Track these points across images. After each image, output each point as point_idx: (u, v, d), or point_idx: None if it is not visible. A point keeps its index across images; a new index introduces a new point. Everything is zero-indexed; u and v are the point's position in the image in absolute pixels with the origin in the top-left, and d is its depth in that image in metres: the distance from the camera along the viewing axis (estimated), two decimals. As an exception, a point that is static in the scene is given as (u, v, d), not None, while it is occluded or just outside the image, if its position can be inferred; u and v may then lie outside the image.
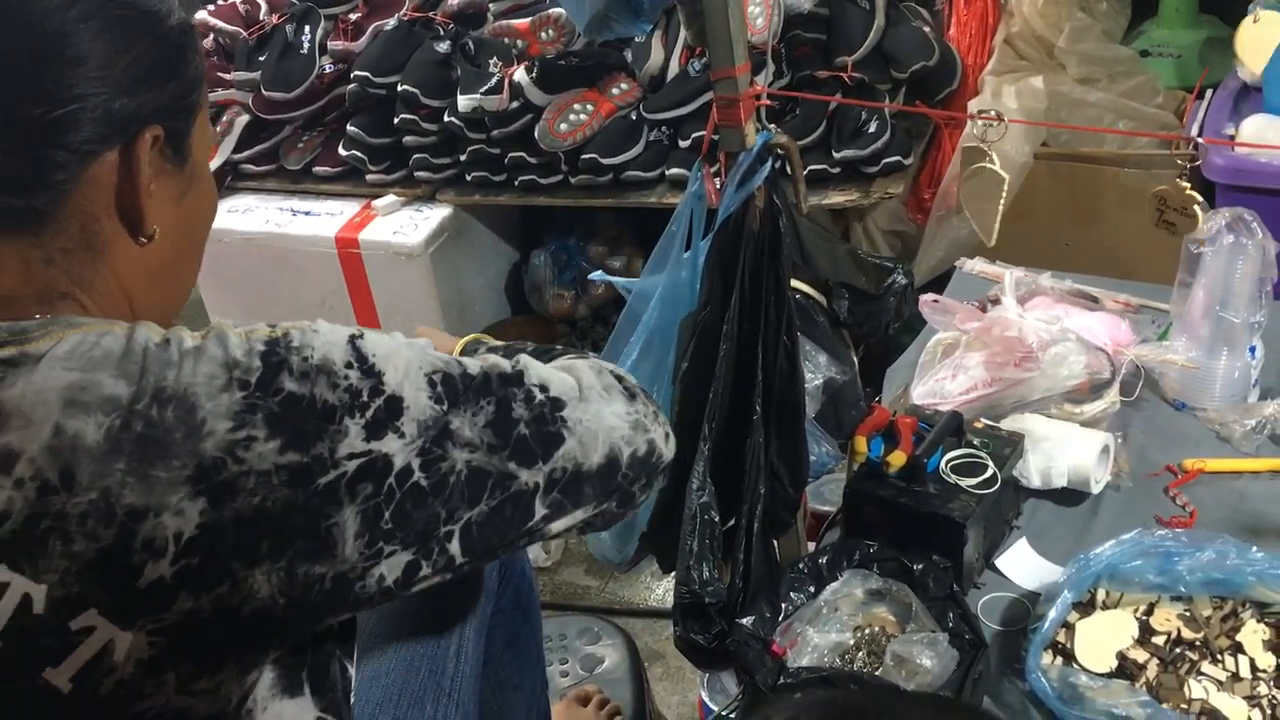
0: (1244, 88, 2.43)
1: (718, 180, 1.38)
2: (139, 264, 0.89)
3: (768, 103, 1.29)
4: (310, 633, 0.86)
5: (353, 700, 0.96)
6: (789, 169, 1.37)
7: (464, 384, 0.89)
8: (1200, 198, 1.32)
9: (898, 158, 2.40)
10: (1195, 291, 1.66)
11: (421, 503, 0.84)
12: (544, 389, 0.94)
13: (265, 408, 0.78)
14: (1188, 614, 1.34)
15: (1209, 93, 2.52)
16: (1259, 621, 1.32)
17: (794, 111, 2.49)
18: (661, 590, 2.27)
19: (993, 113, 1.23)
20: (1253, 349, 1.66)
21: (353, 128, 2.72)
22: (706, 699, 1.73)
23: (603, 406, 0.98)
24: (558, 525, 0.95)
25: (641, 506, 1.09)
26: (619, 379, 1.04)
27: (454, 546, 0.87)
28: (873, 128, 2.41)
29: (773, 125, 1.32)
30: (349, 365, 0.83)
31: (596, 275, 1.61)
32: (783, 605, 1.39)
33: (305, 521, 0.79)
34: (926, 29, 2.55)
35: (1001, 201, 1.29)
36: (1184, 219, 1.34)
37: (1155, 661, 1.29)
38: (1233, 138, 2.27)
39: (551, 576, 2.38)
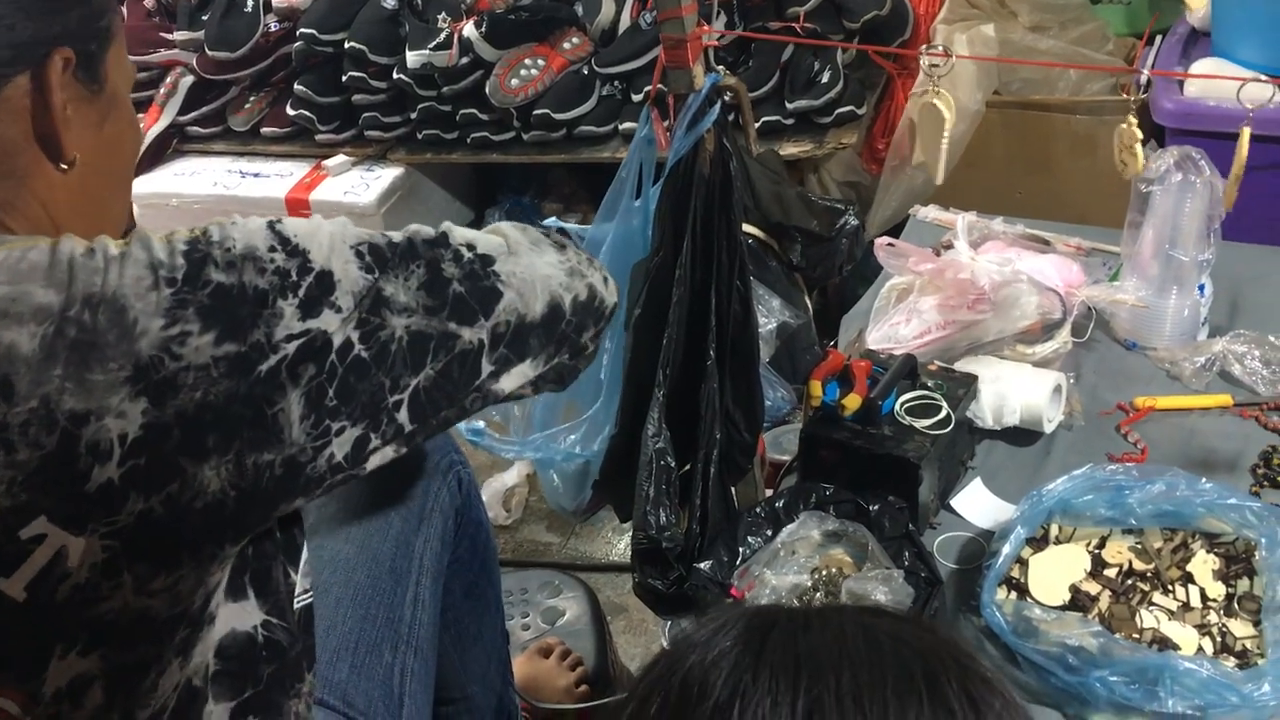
0: (1193, 33, 2.44)
1: (667, 126, 1.37)
2: (63, 191, 0.88)
3: (715, 44, 1.28)
4: (265, 522, 0.85)
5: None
6: (739, 112, 1.35)
7: (390, 251, 0.88)
8: (1140, 135, 1.32)
9: (851, 108, 2.40)
10: (1145, 230, 1.67)
11: (365, 375, 0.84)
12: (471, 247, 0.93)
13: (195, 301, 0.78)
14: (1139, 546, 1.36)
15: (1158, 39, 2.53)
16: (1208, 552, 1.34)
17: (747, 63, 2.48)
18: (623, 546, 2.27)
19: (940, 48, 1.23)
20: (1201, 287, 1.67)
21: (300, 87, 2.68)
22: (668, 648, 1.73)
23: (535, 258, 0.97)
24: (508, 382, 0.94)
25: (592, 360, 1.07)
26: (545, 233, 1.03)
27: (402, 415, 0.86)
28: (825, 78, 2.41)
29: (721, 67, 1.31)
30: (272, 249, 0.82)
31: (550, 221, 1.59)
32: (740, 549, 1.39)
33: (249, 411, 0.79)
34: (879, -22, 2.54)
35: (945, 139, 1.29)
36: (1131, 157, 1.34)
37: (1107, 593, 1.31)
38: (1182, 83, 2.29)
39: (513, 534, 2.38)
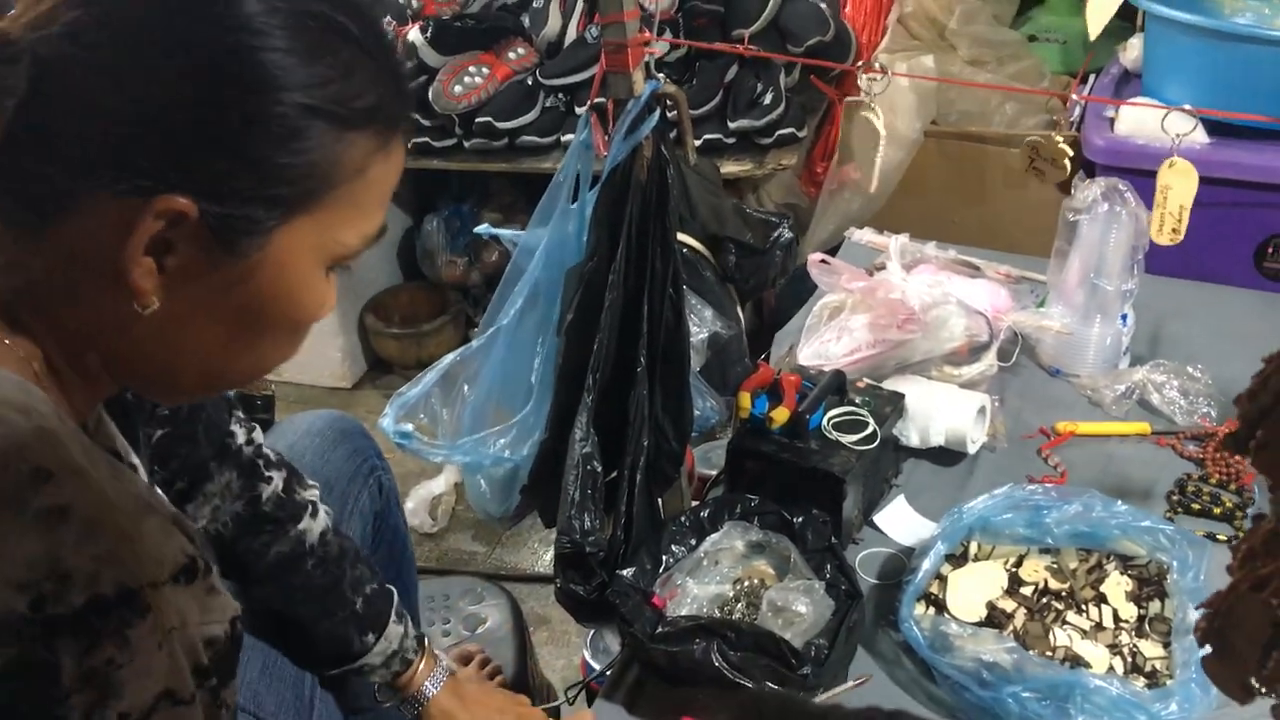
0: (1125, 73, 2.51)
1: (607, 134, 1.37)
2: (133, 329, 0.76)
3: (656, 51, 1.28)
4: None
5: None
6: (678, 121, 1.36)
7: None
8: (1070, 150, 1.35)
9: (791, 130, 2.42)
10: (1071, 259, 1.70)
11: None
12: None
13: None
14: (1055, 566, 1.38)
15: (1092, 78, 2.59)
16: (1122, 574, 1.36)
17: (691, 81, 2.50)
18: (548, 557, 2.26)
19: (877, 66, 1.25)
20: (1124, 317, 1.71)
21: (239, 84, 2.64)
22: (589, 659, 1.72)
23: None
24: None
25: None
26: None
27: None
28: (768, 99, 2.43)
29: (661, 75, 1.31)
30: None
31: (482, 229, 1.58)
32: (664, 558, 1.39)
33: None
34: (823, 6, 2.58)
35: (879, 153, 1.31)
36: (1053, 169, 1.37)
37: (1023, 611, 1.32)
38: (1113, 122, 2.34)
39: (438, 543, 2.36)
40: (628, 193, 1.34)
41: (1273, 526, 0.66)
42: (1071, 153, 1.35)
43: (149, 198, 0.70)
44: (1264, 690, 0.67)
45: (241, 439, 1.16)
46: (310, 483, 1.21)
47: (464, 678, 1.35)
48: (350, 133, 0.75)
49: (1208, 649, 0.71)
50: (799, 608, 1.26)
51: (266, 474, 1.16)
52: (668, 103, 1.34)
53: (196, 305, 0.76)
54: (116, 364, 0.78)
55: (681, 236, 1.48)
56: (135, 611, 0.65)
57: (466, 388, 1.47)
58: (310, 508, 1.18)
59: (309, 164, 0.73)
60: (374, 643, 1.20)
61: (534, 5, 2.64)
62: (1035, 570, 1.37)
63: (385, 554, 1.29)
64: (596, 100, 1.33)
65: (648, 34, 1.26)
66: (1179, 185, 1.24)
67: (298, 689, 1.19)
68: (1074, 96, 1.29)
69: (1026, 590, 1.35)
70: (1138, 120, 2.28)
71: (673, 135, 1.37)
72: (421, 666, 1.26)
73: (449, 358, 1.48)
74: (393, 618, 1.22)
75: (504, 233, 1.54)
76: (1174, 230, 1.25)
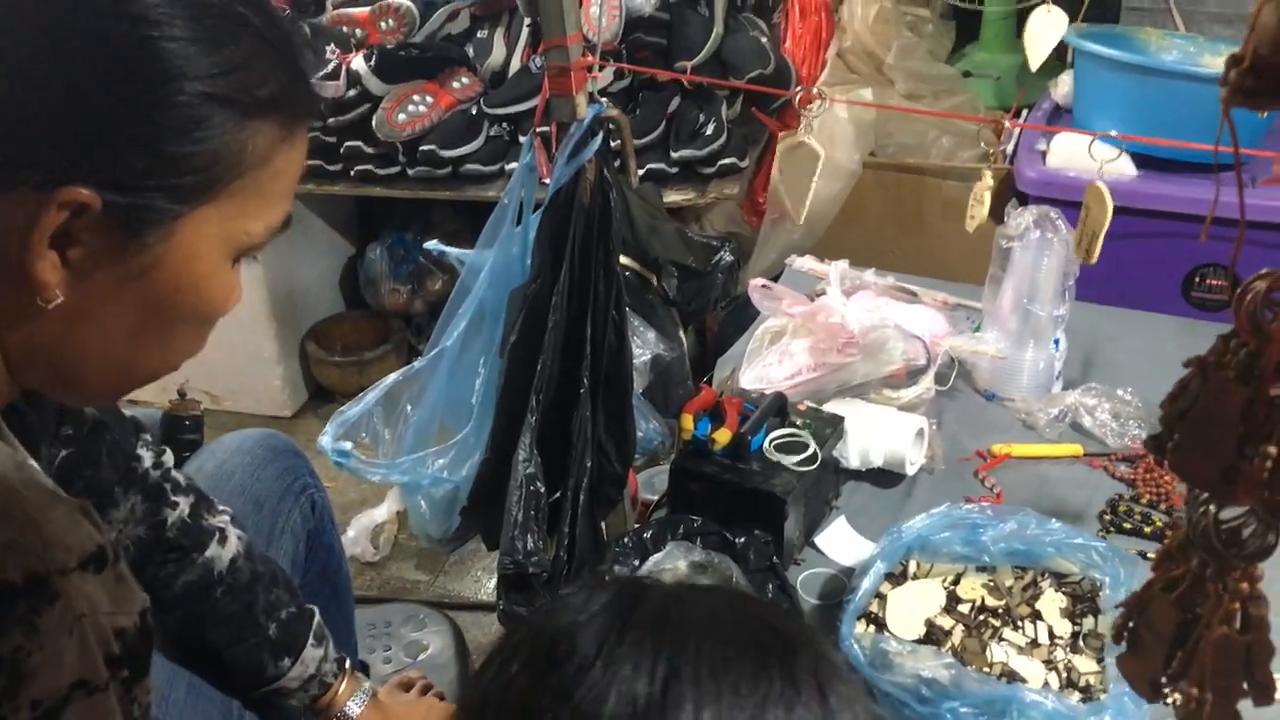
0: (1056, 109, 2.58)
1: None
2: (39, 326, 0.75)
3: (599, 75, 1.30)
4: None
5: None
6: (620, 145, 1.38)
7: None
8: (991, 184, 1.39)
9: (733, 160, 2.45)
10: (1005, 286, 1.74)
11: None
12: None
13: None
14: (992, 584, 1.40)
15: (1025, 112, 2.66)
16: (1057, 590, 1.38)
17: (635, 112, 2.52)
18: (491, 585, 2.24)
19: (816, 91, 1.27)
20: (1056, 342, 1.75)
21: (180, 110, 2.63)
22: (532, 685, 1.71)
23: None
24: None
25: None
26: None
27: None
28: (710, 130, 2.46)
29: (604, 99, 1.33)
30: None
31: (432, 244, 1.58)
32: (606, 579, 1.39)
33: None
34: (764, 39, 2.63)
35: (815, 179, 1.33)
36: (978, 206, 1.40)
37: (961, 628, 1.34)
38: (1044, 154, 2.41)
39: (380, 571, 2.33)
40: (571, 216, 1.35)
41: (1186, 530, 0.68)
42: (992, 185, 1.38)
43: (52, 189, 0.69)
44: (1169, 690, 0.69)
45: (148, 463, 1.13)
46: (221, 509, 1.17)
47: (386, 693, 1.32)
48: (253, 121, 0.75)
49: (1124, 647, 0.74)
50: (741, 626, 1.26)
51: (173, 499, 1.12)
52: (611, 127, 1.36)
53: (102, 298, 0.75)
54: (19, 362, 0.77)
55: (624, 259, 1.49)
56: (43, 599, 0.64)
57: (410, 407, 1.47)
58: (218, 534, 1.14)
59: (212, 153, 0.73)
60: (289, 667, 1.17)
61: (478, 35, 2.65)
62: (973, 588, 1.39)
63: (318, 572, 1.27)
64: (540, 126, 1.34)
65: (590, 58, 1.28)
66: (1096, 209, 1.27)
67: (225, 708, 1.17)
68: (1007, 124, 1.32)
69: (964, 608, 1.37)
70: (1068, 153, 2.35)
71: (617, 164, 1.39)
72: (342, 689, 1.22)
73: (392, 377, 1.48)
74: (310, 641, 1.19)
75: (452, 251, 1.55)
76: (1088, 251, 1.29)
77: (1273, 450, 0.60)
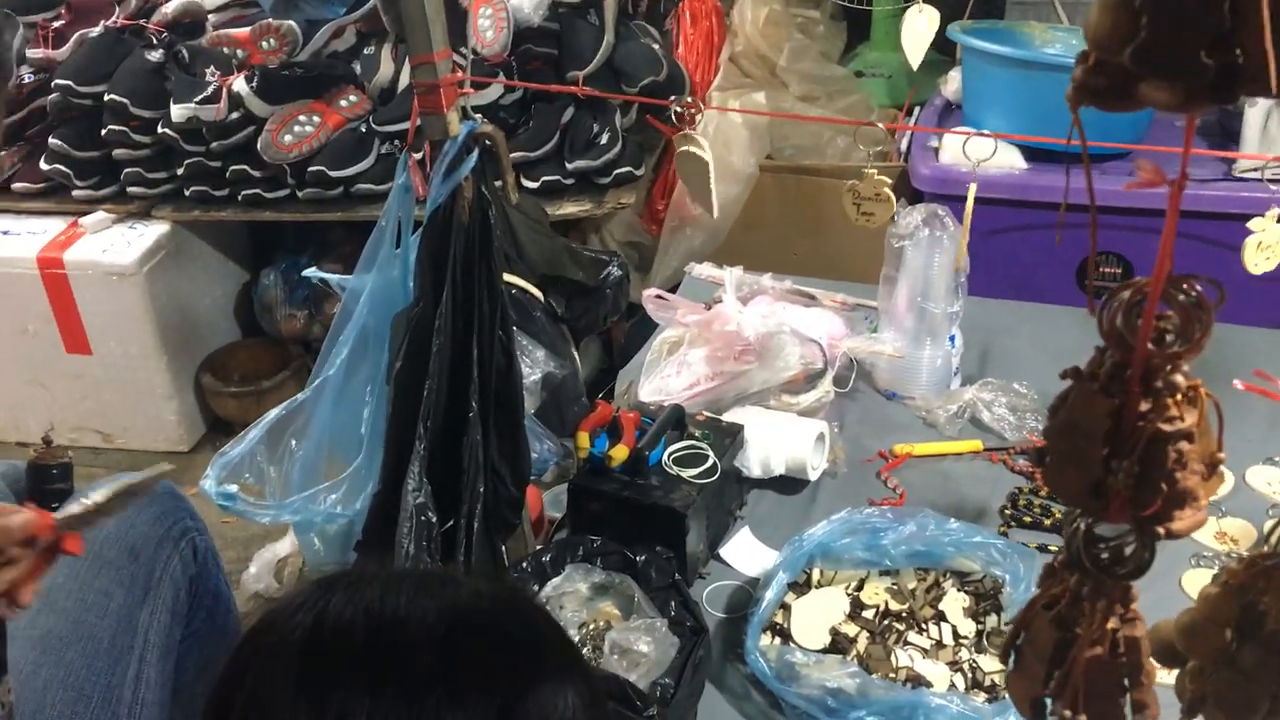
0: (947, 105, 2.60)
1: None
2: None
3: (470, 91, 1.27)
4: None
5: None
6: (497, 161, 1.34)
7: None
8: (889, 180, 1.38)
9: (629, 168, 2.43)
10: (899, 285, 1.74)
11: None
12: None
13: None
14: (895, 587, 1.39)
15: (917, 110, 2.68)
16: (959, 590, 1.38)
17: (528, 124, 2.49)
18: (403, 613, 2.18)
19: (688, 99, 1.25)
20: (952, 338, 1.75)
21: (55, 140, 2.54)
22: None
23: None
24: None
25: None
26: None
27: None
28: (604, 140, 2.44)
29: (479, 115, 1.30)
30: None
31: (311, 272, 1.53)
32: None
33: None
34: (656, 46, 2.61)
35: (711, 179, 1.32)
36: (879, 204, 1.40)
37: (865, 634, 1.33)
38: (937, 151, 2.42)
39: (285, 607, 2.26)
40: (450, 235, 1.32)
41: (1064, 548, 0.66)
42: (890, 181, 1.37)
43: None
44: (1051, 711, 0.68)
45: None
46: None
47: None
48: None
49: (1011, 665, 0.72)
50: (641, 648, 1.24)
51: None
52: (487, 143, 1.32)
53: None
54: None
55: (509, 277, 1.46)
56: None
57: (294, 443, 1.42)
58: None
59: None
60: None
61: (365, 52, 2.60)
62: (876, 593, 1.38)
63: (204, 620, 1.22)
64: (414, 144, 1.31)
65: (460, 74, 1.24)
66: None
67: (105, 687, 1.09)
68: (879, 126, 1.32)
69: (868, 613, 1.35)
70: (960, 149, 2.37)
71: (499, 183, 1.35)
72: None
73: (273, 413, 1.43)
74: None
75: (332, 277, 1.50)
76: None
77: (1133, 466, 0.59)
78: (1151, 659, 0.66)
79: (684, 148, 1.32)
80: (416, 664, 0.64)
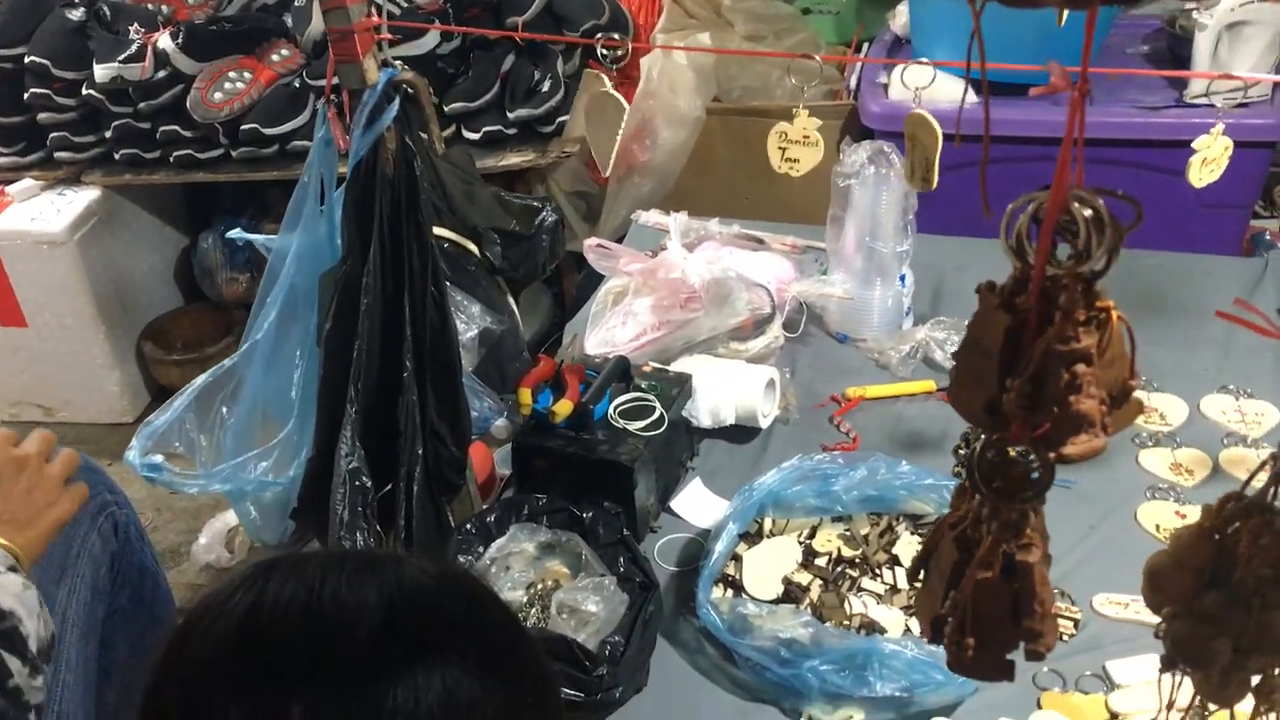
0: (896, 40, 2.55)
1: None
2: None
3: (389, 36, 1.21)
4: None
5: None
6: (421, 110, 1.29)
7: None
8: (819, 121, 1.34)
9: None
10: (847, 225, 1.70)
11: None
12: None
13: None
14: (848, 533, 1.37)
15: (866, 46, 2.63)
16: (912, 534, 1.35)
17: (466, 73, 2.41)
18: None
19: (616, 36, 1.20)
20: (903, 278, 1.72)
21: (-25, 106, 2.44)
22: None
23: None
24: None
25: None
26: None
27: None
28: (546, 87, 2.38)
29: (399, 62, 1.24)
30: None
31: (236, 234, 1.47)
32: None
33: None
34: (596, -11, 2.53)
35: (620, 129, 1.27)
36: (807, 149, 1.35)
37: (818, 583, 1.30)
38: (886, 87, 2.37)
39: (238, 577, 2.22)
40: (375, 189, 1.26)
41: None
42: (820, 124, 1.32)
43: None
44: (949, 624, 0.66)
45: None
46: None
47: None
48: None
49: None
50: (590, 607, 1.21)
51: None
52: (409, 91, 1.26)
53: None
54: None
55: (440, 230, 1.41)
56: None
57: (225, 409, 1.36)
58: None
59: None
60: None
61: (296, 4, 2.51)
62: (828, 540, 1.35)
63: (130, 596, 1.17)
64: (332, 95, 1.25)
65: (375, 18, 1.18)
66: (924, 137, 1.23)
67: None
68: (815, 59, 1.27)
69: (821, 561, 1.33)
70: (911, 82, 2.32)
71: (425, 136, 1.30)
72: None
73: (200, 379, 1.37)
74: None
75: (258, 238, 1.44)
76: (924, 180, 1.25)
77: (1024, 385, 0.56)
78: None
79: (599, 90, 1.27)
80: (357, 647, 0.62)
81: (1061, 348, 0.55)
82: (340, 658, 0.61)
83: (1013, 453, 0.60)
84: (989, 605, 0.64)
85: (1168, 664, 0.65)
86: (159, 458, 1.31)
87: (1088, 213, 0.54)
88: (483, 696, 0.64)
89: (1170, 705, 0.67)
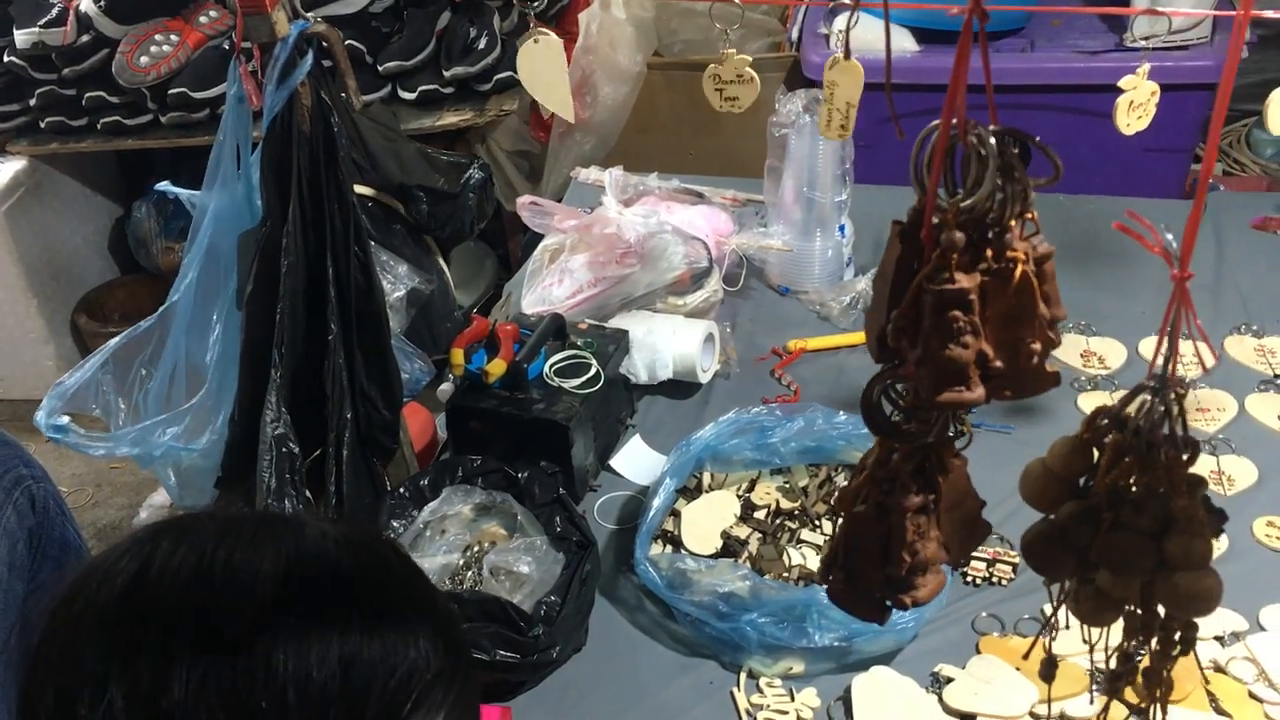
0: (838, -10, 2.52)
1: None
2: None
3: (299, -14, 1.17)
4: None
5: None
6: (335, 63, 1.25)
7: None
8: (750, 59, 1.31)
9: (510, 73, 2.33)
10: (785, 176, 1.68)
11: None
12: None
13: None
14: (787, 486, 1.35)
15: (808, -4, 2.59)
16: (852, 483, 1.34)
17: (400, 32, 2.36)
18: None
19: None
20: (842, 228, 1.70)
21: (-110, 77, 2.36)
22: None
23: None
24: None
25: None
26: None
27: None
28: (483, 44, 2.33)
29: (311, 14, 1.20)
30: None
31: (164, 185, 1.42)
32: (384, 533, 1.29)
33: None
34: (532, -58, 2.48)
35: (564, 70, 1.23)
36: (743, 87, 1.32)
37: (757, 536, 1.29)
38: (828, 38, 2.35)
39: (182, 551, 2.18)
40: (292, 147, 1.22)
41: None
42: (750, 60, 1.30)
43: None
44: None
45: None
46: None
47: None
48: None
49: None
50: (522, 568, 1.19)
51: None
52: (323, 44, 1.22)
53: None
54: None
55: (362, 189, 1.37)
56: None
57: (145, 372, 1.33)
58: None
59: None
60: None
61: (224, -37, 2.44)
62: (767, 493, 1.34)
63: (52, 572, 1.14)
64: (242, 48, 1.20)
65: (285, -32, 1.14)
66: (844, 83, 1.21)
67: None
68: (735, 2, 1.24)
69: (759, 514, 1.32)
70: (856, 33, 2.29)
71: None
72: None
73: (115, 340, 1.33)
74: None
75: (183, 192, 1.39)
76: (842, 127, 1.23)
77: (900, 319, 0.54)
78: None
79: (530, 35, 1.24)
80: (246, 614, 0.59)
81: (931, 286, 0.53)
82: (228, 624, 0.59)
83: (899, 390, 0.59)
84: (860, 541, 0.63)
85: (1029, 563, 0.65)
86: (65, 419, 1.27)
87: (979, 149, 0.52)
88: (386, 662, 0.62)
89: (1055, 622, 0.66)
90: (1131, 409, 0.57)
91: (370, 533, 0.78)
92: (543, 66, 1.26)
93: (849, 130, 1.21)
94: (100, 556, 0.64)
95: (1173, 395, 0.54)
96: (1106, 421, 0.57)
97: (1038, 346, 0.59)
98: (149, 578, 0.61)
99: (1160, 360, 0.54)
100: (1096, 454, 0.59)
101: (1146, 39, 1.95)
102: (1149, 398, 0.55)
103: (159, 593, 0.61)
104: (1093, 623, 0.62)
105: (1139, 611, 0.62)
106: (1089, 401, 1.48)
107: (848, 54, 1.18)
